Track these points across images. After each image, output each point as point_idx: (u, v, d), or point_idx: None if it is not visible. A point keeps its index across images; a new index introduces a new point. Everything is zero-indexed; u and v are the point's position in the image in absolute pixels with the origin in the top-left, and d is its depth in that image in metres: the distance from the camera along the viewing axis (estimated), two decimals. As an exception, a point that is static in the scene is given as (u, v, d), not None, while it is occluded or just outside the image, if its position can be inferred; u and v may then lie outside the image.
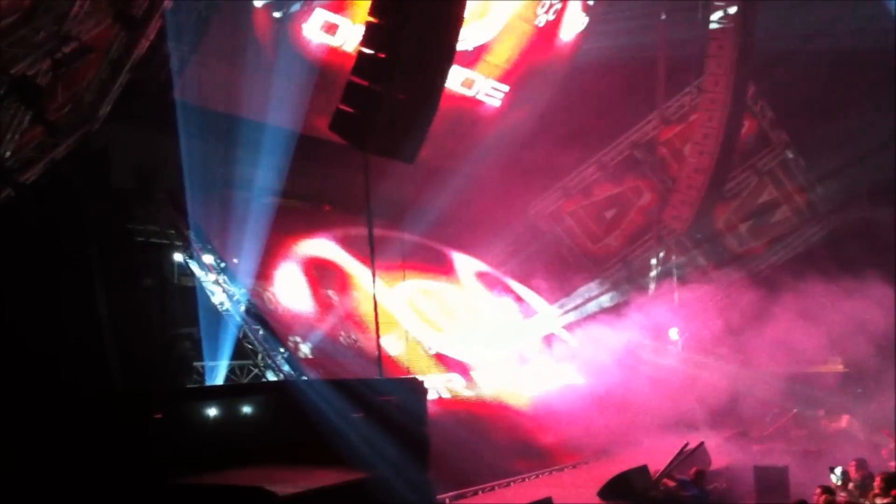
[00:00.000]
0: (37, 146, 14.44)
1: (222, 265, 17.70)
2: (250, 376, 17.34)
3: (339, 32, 20.51)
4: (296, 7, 19.78)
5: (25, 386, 13.29)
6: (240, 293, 17.51)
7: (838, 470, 13.93)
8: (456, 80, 23.54)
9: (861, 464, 14.09)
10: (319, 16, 19.98)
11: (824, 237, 27.31)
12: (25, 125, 13.81)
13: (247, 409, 13.82)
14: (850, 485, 13.57)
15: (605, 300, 24.46)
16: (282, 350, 16.81)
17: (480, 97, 24.94)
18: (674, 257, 26.28)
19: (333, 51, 20.61)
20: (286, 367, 16.61)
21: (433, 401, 16.60)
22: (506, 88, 25.22)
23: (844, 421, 21.09)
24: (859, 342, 20.78)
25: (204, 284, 17.56)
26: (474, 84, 24.45)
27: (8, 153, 13.94)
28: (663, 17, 25.12)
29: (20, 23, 13.17)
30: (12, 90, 13.06)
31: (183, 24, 16.40)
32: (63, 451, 11.65)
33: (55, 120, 14.26)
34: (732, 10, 24.31)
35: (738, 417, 21.23)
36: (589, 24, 25.59)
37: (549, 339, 23.04)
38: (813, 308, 20.94)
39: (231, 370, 16.84)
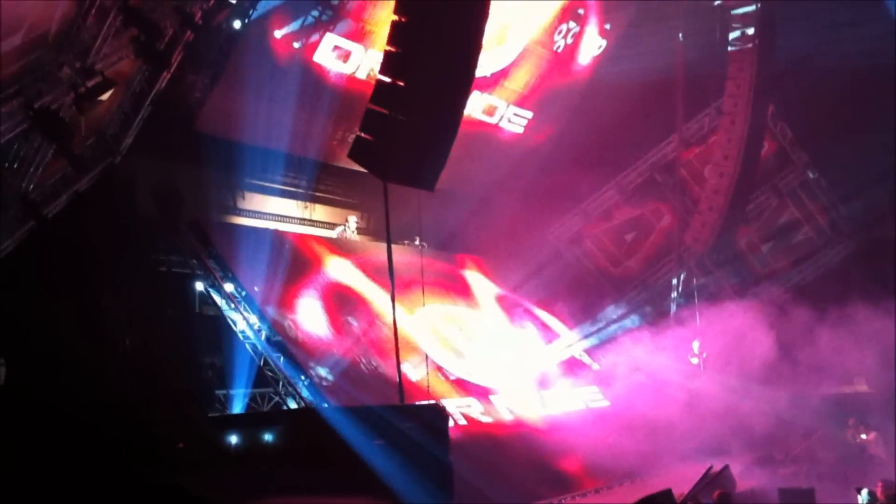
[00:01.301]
0: (60, 179, 14.66)
1: (243, 293, 17.82)
2: (271, 404, 17.42)
3: (352, 59, 20.62)
4: (315, 37, 19.97)
5: (47, 419, 13.40)
6: (260, 321, 17.61)
7: (864, 491, 13.79)
8: (477, 106, 23.66)
9: (888, 485, 13.95)
10: (329, 41, 20.07)
11: (847, 257, 27.09)
12: (49, 158, 14.02)
13: (268, 437, 13.87)
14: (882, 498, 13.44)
15: (627, 323, 24.35)
16: (302, 378, 16.87)
17: (503, 124, 25.02)
18: (695, 280, 26.15)
19: (352, 79, 20.76)
20: (307, 395, 16.66)
21: (454, 426, 16.57)
22: (529, 115, 25.30)
23: (872, 436, 20.87)
24: (883, 363, 20.58)
25: (225, 313, 17.69)
26: (496, 111, 24.54)
27: (31, 186, 14.15)
28: (681, 38, 25.11)
29: (45, 58, 13.40)
30: (36, 124, 13.27)
31: (204, 56, 16.62)
32: (82, 485, 11.71)
33: (79, 153, 14.46)
34: (751, 30, 24.29)
35: (763, 439, 21.04)
36: (606, 48, 25.64)
37: (570, 363, 22.96)
38: (836, 328, 20.77)
39: (252, 398, 16.93)
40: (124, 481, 11.39)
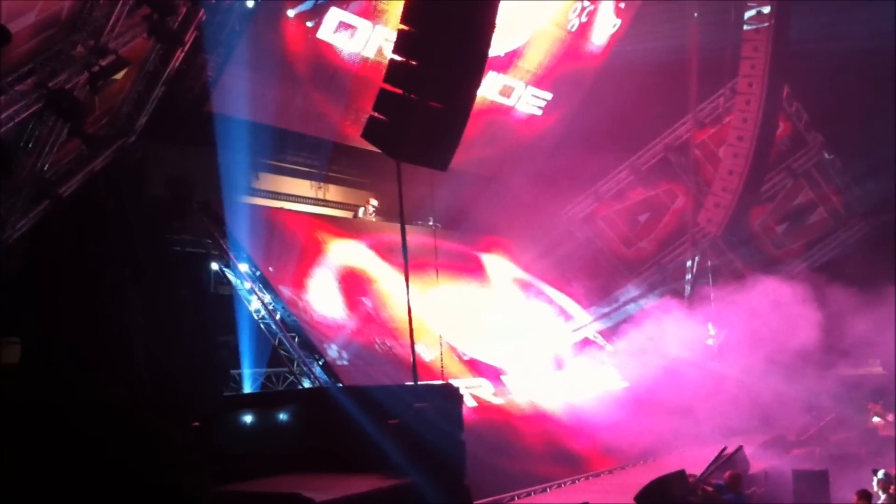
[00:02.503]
0: (74, 158, 14.67)
1: (258, 273, 17.85)
2: (286, 384, 17.48)
3: (358, 35, 20.49)
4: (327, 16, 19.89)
5: (63, 395, 13.49)
6: (274, 301, 17.64)
7: (881, 472, 13.76)
8: (494, 88, 23.54)
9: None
10: (334, 16, 19.90)
11: (862, 238, 26.97)
12: (63, 138, 14.02)
13: (283, 417, 13.93)
14: (892, 488, 13.40)
15: (640, 304, 24.29)
16: (317, 357, 16.90)
17: (520, 106, 24.90)
18: (709, 261, 26.08)
19: (365, 59, 20.67)
20: (322, 375, 16.70)
21: (468, 407, 16.58)
22: (548, 96, 25.16)
23: (892, 416, 20.85)
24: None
25: (240, 293, 17.72)
26: (513, 92, 24.42)
27: (46, 166, 14.16)
28: (696, 17, 24.94)
29: (57, 37, 13.37)
30: (50, 103, 13.26)
31: (217, 35, 16.58)
32: (101, 460, 11.80)
33: (93, 133, 14.46)
34: (766, 9, 24.09)
35: (777, 421, 21.02)
36: (621, 27, 25.46)
37: (584, 344, 22.95)
38: (850, 310, 20.70)
39: (267, 377, 16.98)
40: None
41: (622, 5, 25.24)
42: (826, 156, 27.11)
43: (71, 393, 13.51)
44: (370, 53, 20.74)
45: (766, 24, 24.10)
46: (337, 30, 20.08)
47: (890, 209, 25.60)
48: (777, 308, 21.85)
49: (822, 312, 21.12)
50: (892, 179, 24.56)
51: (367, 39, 20.59)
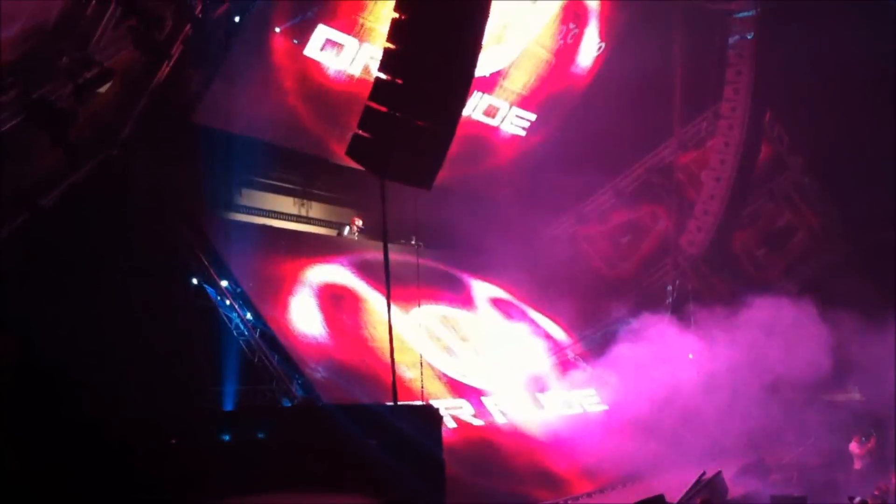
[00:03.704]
0: (56, 170, 14.55)
1: (238, 290, 17.73)
2: (265, 401, 17.32)
3: (345, 53, 20.46)
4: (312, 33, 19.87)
5: (39, 406, 13.35)
6: (255, 318, 17.52)
7: (857, 500, 13.79)
8: (478, 108, 23.59)
9: (884, 493, 13.98)
10: (321, 34, 19.88)
11: (842, 261, 27.10)
12: (45, 149, 13.92)
13: (261, 434, 13.81)
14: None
15: (622, 325, 24.29)
16: (296, 375, 16.78)
17: (504, 126, 24.97)
18: (690, 283, 26.16)
19: (350, 76, 20.67)
20: (301, 392, 16.59)
21: (448, 428, 16.52)
22: (532, 117, 25.25)
23: (872, 442, 20.87)
24: (877, 371, 20.58)
25: (220, 308, 17.60)
26: (498, 112, 24.48)
27: (27, 177, 14.06)
28: (679, 41, 25.12)
29: (43, 47, 13.31)
30: (33, 114, 13.18)
31: (203, 49, 16.52)
32: (78, 477, 11.65)
33: (76, 144, 14.37)
34: (749, 35, 24.33)
35: (755, 445, 21.05)
36: (605, 50, 25.60)
37: (564, 365, 22.92)
38: (830, 334, 20.77)
39: (246, 394, 16.83)
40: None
41: (607, 28, 25.35)
42: (806, 179, 27.29)
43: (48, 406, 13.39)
44: (356, 71, 20.73)
45: (750, 50, 24.36)
46: (324, 47, 20.05)
47: (870, 232, 25.74)
48: (755, 331, 21.94)
49: (800, 336, 21.17)
50: (873, 203, 24.69)
51: (353, 57, 20.59)
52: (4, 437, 11.61)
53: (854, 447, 20.66)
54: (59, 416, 12.77)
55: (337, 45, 20.24)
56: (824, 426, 21.42)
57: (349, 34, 20.22)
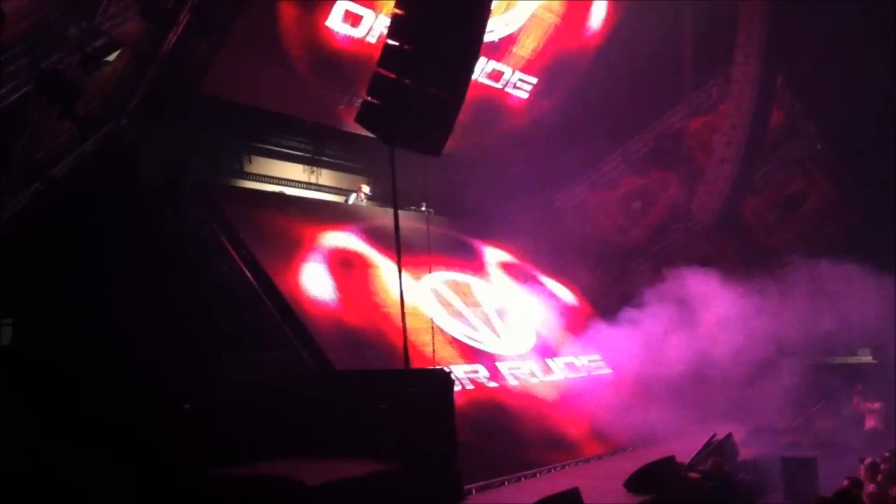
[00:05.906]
0: (66, 140, 14.60)
1: (249, 257, 17.80)
2: (277, 368, 17.43)
3: (363, 23, 20.43)
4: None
5: (51, 377, 13.51)
6: (267, 285, 17.59)
7: (868, 460, 13.84)
8: (483, 72, 23.50)
9: (894, 454, 14.02)
10: (341, 6, 19.89)
11: (854, 227, 26.98)
12: (55, 119, 13.95)
13: (275, 401, 13.94)
14: (880, 477, 13.47)
15: (631, 290, 24.28)
16: (308, 342, 16.86)
17: (508, 89, 24.86)
18: (700, 248, 26.09)
19: (360, 42, 20.57)
20: (312, 359, 16.67)
21: (459, 392, 16.61)
22: (534, 80, 25.12)
23: (877, 406, 20.94)
24: (889, 334, 20.57)
25: (232, 276, 17.68)
26: (502, 76, 24.37)
27: (37, 147, 14.10)
28: (691, 5, 24.92)
29: (50, 17, 13.30)
30: (42, 85, 13.19)
31: (211, 17, 16.47)
32: (94, 442, 11.81)
33: (84, 114, 14.39)
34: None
35: (766, 408, 21.09)
36: (615, 13, 25.39)
37: (576, 330, 22.97)
38: (841, 298, 20.73)
39: (258, 362, 16.94)
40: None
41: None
42: (818, 145, 27.11)
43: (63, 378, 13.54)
44: (372, 40, 20.61)
45: (761, 13, 24.14)
46: (344, 19, 20.02)
47: (881, 198, 25.58)
48: (766, 296, 21.95)
49: (811, 301, 21.16)
50: (884, 168, 24.54)
51: (370, 27, 20.52)
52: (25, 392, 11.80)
53: (857, 402, 20.84)
54: (70, 387, 12.93)
55: (355, 16, 20.16)
56: (836, 389, 21.48)
57: (365, 5, 20.18)
